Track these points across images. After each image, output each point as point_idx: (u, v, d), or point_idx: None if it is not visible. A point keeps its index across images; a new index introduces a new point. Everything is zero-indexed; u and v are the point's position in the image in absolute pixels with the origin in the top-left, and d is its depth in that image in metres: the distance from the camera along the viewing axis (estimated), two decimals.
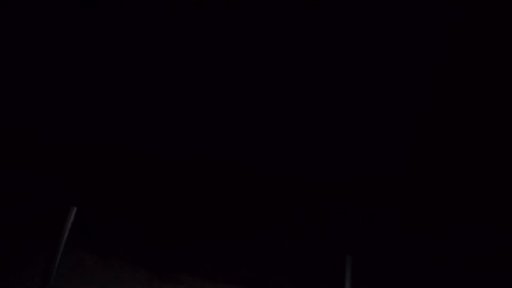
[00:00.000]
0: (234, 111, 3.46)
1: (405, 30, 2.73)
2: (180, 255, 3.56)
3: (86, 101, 3.60)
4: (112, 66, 3.32)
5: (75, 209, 2.85)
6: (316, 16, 2.69)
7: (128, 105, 3.56)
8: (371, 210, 3.83)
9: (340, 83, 3.18)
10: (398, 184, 3.72)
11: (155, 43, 3.06)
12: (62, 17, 3.03)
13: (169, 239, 3.72)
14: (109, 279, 3.15)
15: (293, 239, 3.70)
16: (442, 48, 2.80)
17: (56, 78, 3.49)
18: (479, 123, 3.26)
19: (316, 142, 3.60)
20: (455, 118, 3.24)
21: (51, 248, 3.27)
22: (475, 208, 3.71)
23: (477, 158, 3.46)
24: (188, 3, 2.73)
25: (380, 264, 3.61)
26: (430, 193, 3.75)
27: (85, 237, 3.56)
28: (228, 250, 3.68)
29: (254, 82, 3.24)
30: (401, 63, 2.93)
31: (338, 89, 3.23)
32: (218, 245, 3.71)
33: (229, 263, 3.55)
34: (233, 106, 3.43)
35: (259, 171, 3.88)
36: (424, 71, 2.96)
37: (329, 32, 2.79)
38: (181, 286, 3.23)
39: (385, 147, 3.50)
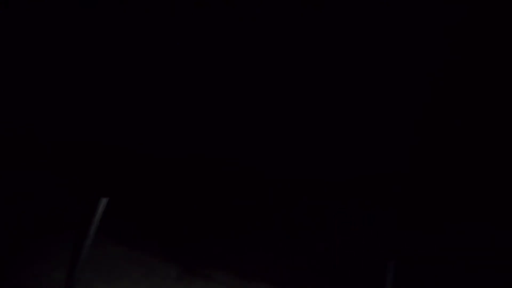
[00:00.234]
0: (234, 111, 3.46)
1: (405, 30, 2.73)
2: (211, 251, 3.55)
3: (86, 101, 3.59)
4: (112, 66, 3.32)
5: (105, 200, 2.82)
6: (316, 16, 2.69)
7: (128, 105, 3.56)
8: (371, 210, 3.84)
9: (340, 83, 3.18)
10: (398, 184, 3.72)
11: (155, 43, 3.06)
12: (62, 17, 3.03)
13: (200, 235, 3.71)
14: (139, 274, 3.13)
15: (329, 240, 3.69)
16: (442, 48, 2.80)
17: (56, 78, 3.49)
18: (479, 123, 3.26)
19: (316, 142, 3.60)
20: (455, 118, 3.24)
21: (78, 239, 3.25)
22: (475, 208, 3.72)
23: (477, 158, 3.46)
24: (188, 3, 2.73)
25: (380, 264, 3.61)
26: (430, 193, 3.75)
27: (115, 230, 3.54)
28: (261, 249, 3.67)
29: (254, 82, 3.24)
30: (401, 63, 2.93)
31: (338, 89, 3.23)
32: (251, 243, 3.70)
33: (262, 262, 3.53)
34: (233, 106, 3.43)
35: (259, 171, 3.88)
36: (424, 71, 2.96)
37: (329, 32, 2.79)
38: (211, 282, 3.22)
39: (385, 147, 3.50)
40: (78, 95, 3.56)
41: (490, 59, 2.78)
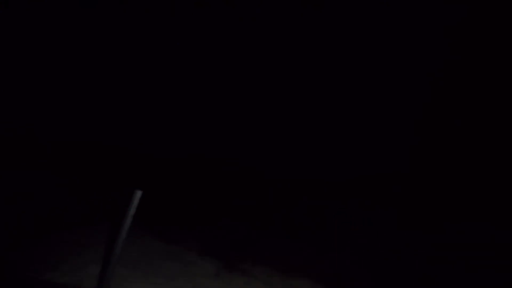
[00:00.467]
0: (234, 111, 3.46)
1: (406, 30, 2.73)
2: (250, 247, 3.54)
3: (86, 101, 3.60)
4: (112, 67, 3.32)
5: (139, 193, 2.79)
6: (316, 16, 2.69)
7: (128, 105, 3.56)
8: (371, 210, 3.84)
9: (340, 84, 3.18)
10: (398, 184, 3.73)
11: (155, 43, 3.06)
12: (62, 17, 3.03)
13: (239, 230, 3.70)
14: (177, 270, 3.11)
15: (372, 235, 3.69)
16: (442, 48, 2.80)
17: (56, 78, 3.49)
18: (479, 123, 3.26)
19: (316, 143, 3.60)
20: (455, 118, 3.24)
21: (112, 233, 3.22)
22: (475, 208, 3.72)
23: (477, 158, 3.46)
24: (188, 3, 2.72)
25: (380, 264, 3.61)
26: (430, 193, 3.75)
27: (151, 225, 3.52)
28: (300, 245, 3.66)
29: (254, 82, 3.24)
30: (402, 63, 2.93)
31: (338, 90, 3.23)
32: (289, 239, 3.69)
33: (299, 257, 3.52)
34: (233, 107, 3.43)
35: (259, 171, 3.88)
36: (424, 71, 2.96)
37: (329, 32, 2.79)
38: (249, 277, 3.20)
39: (385, 147, 3.51)
40: (78, 95, 3.57)
41: (490, 59, 2.79)
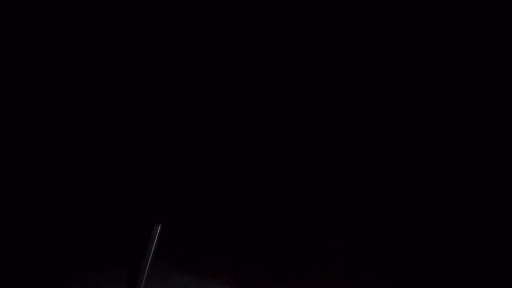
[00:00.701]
0: (234, 111, 3.46)
1: (406, 30, 2.73)
2: (250, 246, 3.49)
3: (86, 101, 3.60)
4: (112, 66, 3.32)
5: (158, 228, 2.76)
6: (316, 16, 2.70)
7: (128, 105, 3.56)
8: (371, 210, 3.84)
9: (340, 83, 3.18)
10: (398, 184, 3.72)
11: (155, 43, 3.07)
12: (62, 17, 3.03)
13: (239, 230, 3.63)
14: (191, 278, 3.09)
15: (329, 240, 3.66)
16: (442, 48, 2.80)
17: (56, 78, 3.49)
18: (479, 123, 3.26)
19: (316, 142, 3.60)
20: (455, 118, 3.24)
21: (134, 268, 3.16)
22: (475, 208, 3.72)
23: (477, 158, 3.46)
24: (188, 3, 2.73)
25: (380, 264, 3.61)
26: (430, 193, 3.75)
27: (165, 234, 3.46)
28: (300, 245, 3.61)
29: (254, 82, 3.24)
30: (401, 63, 2.93)
31: (338, 89, 3.23)
32: (289, 239, 3.64)
33: (299, 257, 3.47)
34: (233, 106, 3.43)
35: (259, 171, 3.88)
36: (424, 71, 2.97)
37: (329, 32, 2.79)
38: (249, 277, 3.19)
39: (385, 147, 3.51)
40: (78, 95, 3.56)
41: (490, 59, 2.78)
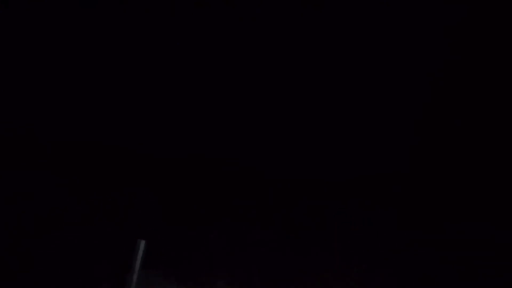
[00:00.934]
0: (234, 111, 3.46)
1: (406, 30, 2.73)
2: (250, 247, 3.46)
3: (86, 101, 3.60)
4: (112, 66, 3.32)
5: (143, 243, 2.75)
6: (316, 16, 2.70)
7: (128, 105, 3.56)
8: (371, 210, 3.84)
9: (340, 83, 3.18)
10: (398, 184, 3.72)
11: (155, 43, 3.07)
12: (62, 17, 3.03)
13: (239, 230, 3.59)
14: None
15: (329, 240, 3.62)
16: (442, 48, 2.80)
17: (56, 78, 3.49)
18: (478, 123, 3.26)
19: (316, 142, 3.60)
20: (455, 118, 3.24)
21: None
22: (475, 208, 3.72)
23: (477, 158, 3.46)
24: (188, 3, 2.73)
25: (380, 264, 3.61)
26: (430, 193, 3.75)
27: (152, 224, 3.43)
28: (300, 245, 3.57)
29: (254, 82, 3.24)
30: (402, 63, 2.93)
31: (338, 89, 3.23)
32: (289, 239, 3.59)
33: (299, 257, 3.43)
34: (233, 106, 3.43)
35: (259, 171, 3.88)
36: (424, 71, 2.97)
37: (329, 32, 2.79)
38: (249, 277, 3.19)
39: (385, 147, 3.51)
40: (78, 95, 3.56)
41: (490, 59, 2.78)
